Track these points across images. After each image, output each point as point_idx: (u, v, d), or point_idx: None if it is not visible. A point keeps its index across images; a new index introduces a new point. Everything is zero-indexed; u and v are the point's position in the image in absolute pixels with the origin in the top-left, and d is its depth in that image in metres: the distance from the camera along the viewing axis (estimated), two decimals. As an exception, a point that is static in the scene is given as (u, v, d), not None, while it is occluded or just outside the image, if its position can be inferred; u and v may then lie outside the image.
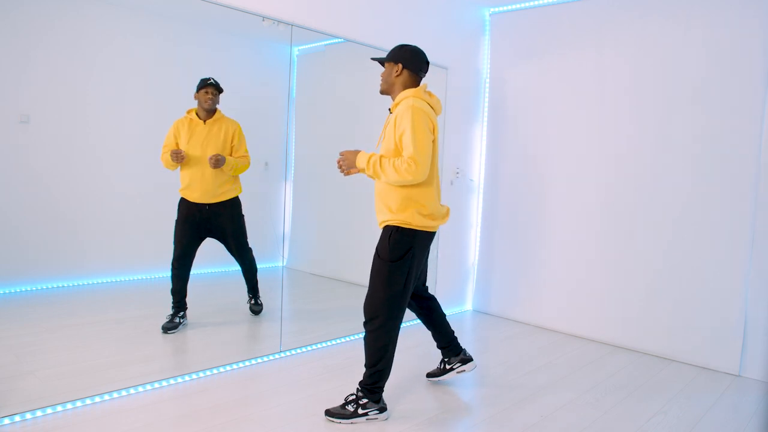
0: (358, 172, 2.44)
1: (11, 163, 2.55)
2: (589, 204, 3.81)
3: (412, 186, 2.36)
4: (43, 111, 2.63)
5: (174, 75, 3.14)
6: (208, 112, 3.05)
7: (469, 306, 4.50)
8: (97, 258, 2.97)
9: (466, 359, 2.84)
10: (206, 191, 3.08)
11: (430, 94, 2.46)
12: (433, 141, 2.38)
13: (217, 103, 3.06)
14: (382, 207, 2.42)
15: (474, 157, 4.36)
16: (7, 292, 2.68)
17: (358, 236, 4.07)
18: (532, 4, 4.08)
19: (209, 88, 3.01)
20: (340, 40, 3.41)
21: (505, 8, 4.22)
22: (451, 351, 2.85)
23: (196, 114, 3.05)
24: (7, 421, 2.17)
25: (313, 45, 3.51)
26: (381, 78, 2.51)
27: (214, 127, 3.06)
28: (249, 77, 3.43)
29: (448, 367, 2.86)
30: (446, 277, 4.24)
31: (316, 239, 4.01)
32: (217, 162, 3.01)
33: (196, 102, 3.05)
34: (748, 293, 3.20)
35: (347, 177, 2.50)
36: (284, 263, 3.68)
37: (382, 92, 2.53)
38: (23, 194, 2.63)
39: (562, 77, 3.92)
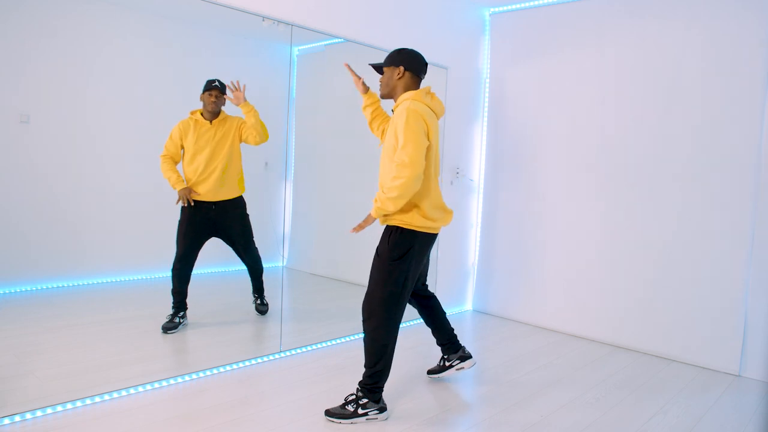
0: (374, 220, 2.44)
1: (11, 163, 2.55)
2: (588, 204, 3.81)
3: None
4: (43, 111, 2.63)
5: (174, 75, 3.15)
6: (213, 113, 3.07)
7: (469, 306, 4.50)
8: (97, 258, 2.97)
9: (465, 356, 2.88)
10: (211, 190, 3.08)
11: (432, 96, 2.46)
12: (430, 144, 2.37)
13: (222, 104, 3.08)
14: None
15: (474, 157, 4.36)
16: (7, 292, 2.68)
17: (358, 236, 4.06)
18: (532, 4, 4.08)
19: (213, 90, 3.04)
20: (340, 40, 3.41)
21: (505, 8, 4.22)
22: (451, 348, 2.88)
23: (201, 115, 3.06)
24: (7, 421, 2.17)
25: (313, 45, 3.51)
26: (380, 83, 2.52)
27: (220, 127, 3.08)
28: (249, 77, 3.42)
29: (447, 364, 2.89)
30: (446, 277, 4.24)
31: (316, 239, 4.01)
32: (237, 98, 3.03)
33: (201, 103, 3.06)
34: (748, 293, 3.20)
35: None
36: (284, 263, 3.68)
37: (384, 96, 2.54)
38: (24, 194, 2.63)
39: (562, 77, 3.92)
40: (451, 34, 4.08)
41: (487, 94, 4.36)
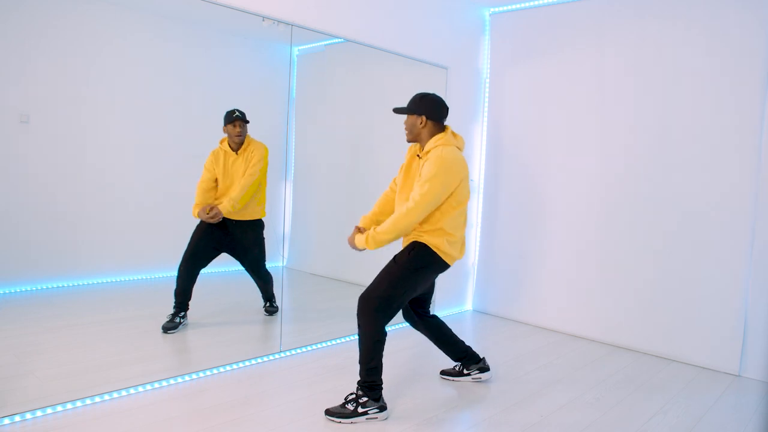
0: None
1: (11, 163, 2.55)
2: (588, 204, 3.81)
3: (444, 217, 2.46)
4: (43, 111, 2.63)
5: (174, 75, 3.15)
6: (239, 144, 3.14)
7: (469, 306, 4.50)
8: (97, 258, 2.98)
9: (485, 368, 2.91)
10: (231, 213, 3.14)
11: (454, 134, 2.57)
12: (462, 183, 2.49)
13: (246, 132, 3.14)
14: (412, 231, 2.52)
15: (474, 157, 4.36)
16: (7, 292, 2.68)
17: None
18: (532, 4, 4.08)
19: (237, 121, 3.09)
20: (340, 40, 3.41)
21: (505, 8, 4.22)
22: (470, 360, 2.90)
23: (229, 145, 3.14)
24: (7, 421, 2.17)
25: (313, 45, 3.51)
26: (405, 127, 2.60)
27: (244, 155, 3.15)
28: (249, 77, 3.43)
29: (465, 372, 2.92)
30: (446, 277, 4.23)
31: (316, 239, 4.01)
32: (215, 216, 3.08)
33: (222, 133, 3.14)
34: (748, 293, 3.20)
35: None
36: (284, 263, 3.69)
37: (410, 141, 2.62)
38: (23, 194, 2.63)
39: (562, 77, 3.92)
40: (451, 34, 4.08)
41: (487, 94, 4.36)
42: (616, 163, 3.68)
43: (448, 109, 2.60)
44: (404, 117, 2.66)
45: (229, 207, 3.07)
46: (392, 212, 2.68)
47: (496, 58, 4.30)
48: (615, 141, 3.68)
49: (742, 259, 3.21)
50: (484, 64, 4.36)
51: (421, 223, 2.48)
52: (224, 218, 3.14)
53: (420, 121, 2.53)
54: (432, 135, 2.53)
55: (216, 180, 3.12)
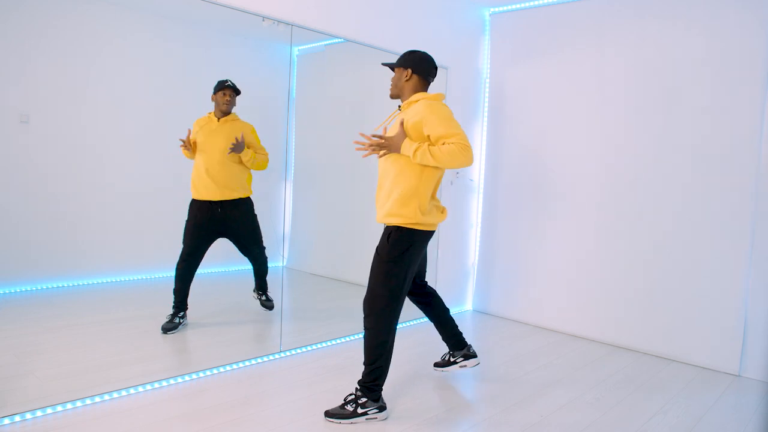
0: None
1: (11, 163, 2.55)
2: (588, 204, 3.81)
3: (419, 180, 2.39)
4: (43, 111, 2.63)
5: (174, 75, 3.15)
6: (225, 113, 3.11)
7: (469, 306, 4.50)
8: (97, 258, 2.97)
9: (470, 355, 2.92)
10: (212, 188, 3.09)
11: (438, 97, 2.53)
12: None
13: (234, 105, 3.12)
14: (385, 200, 2.45)
15: (474, 157, 4.36)
16: (7, 292, 2.68)
17: (358, 236, 4.07)
18: (532, 4, 4.08)
19: (227, 90, 3.08)
20: (340, 40, 3.41)
21: (505, 8, 4.22)
22: (456, 345, 2.93)
23: (213, 114, 3.11)
24: (7, 421, 2.17)
25: (313, 45, 3.51)
26: (391, 82, 2.56)
27: (226, 125, 3.11)
28: (249, 77, 3.42)
29: (452, 360, 2.95)
30: (446, 277, 4.24)
31: (316, 239, 4.01)
32: (236, 146, 3.05)
33: (212, 105, 3.11)
34: (748, 293, 3.20)
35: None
36: (284, 263, 3.68)
37: (392, 96, 2.58)
38: (23, 194, 2.63)
39: (562, 77, 3.92)
40: (451, 34, 4.08)
41: (487, 94, 4.36)
42: (615, 163, 3.67)
43: (436, 69, 2.54)
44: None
45: (248, 156, 3.11)
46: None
47: (496, 58, 4.30)
48: (615, 141, 3.68)
49: (742, 259, 3.21)
50: (484, 64, 4.36)
51: (389, 193, 2.40)
52: (211, 201, 3.10)
53: (405, 74, 2.48)
54: (415, 91, 2.48)
55: (194, 142, 3.07)
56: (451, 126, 2.33)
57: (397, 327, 2.48)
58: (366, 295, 2.46)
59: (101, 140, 2.87)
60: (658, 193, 3.50)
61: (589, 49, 3.79)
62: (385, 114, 2.69)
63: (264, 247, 3.33)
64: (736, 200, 3.22)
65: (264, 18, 2.97)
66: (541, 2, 4.02)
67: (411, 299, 2.84)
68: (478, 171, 4.41)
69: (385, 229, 2.47)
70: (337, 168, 4.02)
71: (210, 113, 3.12)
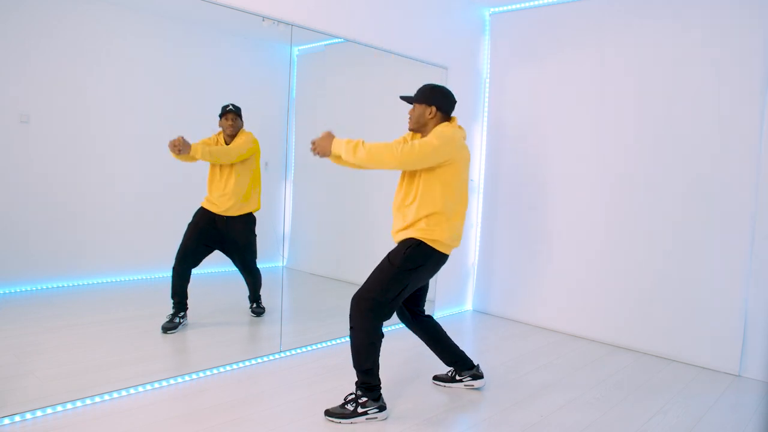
0: (333, 156, 2.50)
1: (11, 163, 2.55)
2: (588, 204, 3.81)
3: (445, 202, 2.40)
4: (43, 111, 2.63)
5: (174, 75, 3.15)
6: (231, 136, 3.15)
7: (469, 306, 4.50)
8: (97, 258, 2.97)
9: (478, 375, 2.82)
10: (223, 207, 3.14)
11: (459, 127, 2.53)
12: (460, 169, 2.45)
13: (240, 125, 3.15)
14: (409, 216, 2.43)
15: (474, 157, 4.36)
16: (7, 292, 2.68)
17: (358, 236, 4.07)
18: (532, 4, 4.08)
19: (228, 114, 3.11)
20: (340, 40, 3.41)
21: (505, 8, 4.22)
22: (463, 365, 2.80)
23: (223, 138, 3.16)
24: (7, 421, 2.17)
25: (313, 45, 3.51)
26: (409, 115, 2.55)
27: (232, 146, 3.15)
28: (249, 77, 3.42)
29: (458, 378, 2.83)
30: (446, 277, 4.24)
31: (316, 239, 4.01)
32: (182, 149, 2.90)
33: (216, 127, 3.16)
34: (748, 293, 3.20)
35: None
36: (284, 263, 3.68)
37: (412, 130, 2.57)
38: (23, 194, 2.63)
39: (562, 77, 3.92)
40: (451, 34, 4.08)
41: (487, 94, 4.36)
42: (616, 163, 3.68)
43: (455, 102, 2.57)
44: (409, 106, 2.60)
45: (203, 151, 3.00)
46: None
47: (496, 58, 4.30)
48: (615, 141, 3.68)
49: (742, 259, 3.21)
50: (484, 64, 4.36)
51: (419, 208, 2.40)
52: (215, 214, 3.14)
53: (429, 111, 2.48)
54: (437, 124, 2.50)
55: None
56: (423, 141, 2.33)
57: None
58: (357, 293, 2.39)
59: (101, 140, 2.87)
60: (657, 193, 3.50)
61: (589, 49, 3.79)
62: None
63: (258, 268, 3.34)
64: (736, 200, 3.22)
65: (264, 18, 2.97)
66: (541, 2, 4.02)
67: (410, 328, 2.74)
68: (478, 171, 4.41)
69: (405, 239, 2.43)
70: (337, 168, 4.01)
71: (216, 135, 3.15)
